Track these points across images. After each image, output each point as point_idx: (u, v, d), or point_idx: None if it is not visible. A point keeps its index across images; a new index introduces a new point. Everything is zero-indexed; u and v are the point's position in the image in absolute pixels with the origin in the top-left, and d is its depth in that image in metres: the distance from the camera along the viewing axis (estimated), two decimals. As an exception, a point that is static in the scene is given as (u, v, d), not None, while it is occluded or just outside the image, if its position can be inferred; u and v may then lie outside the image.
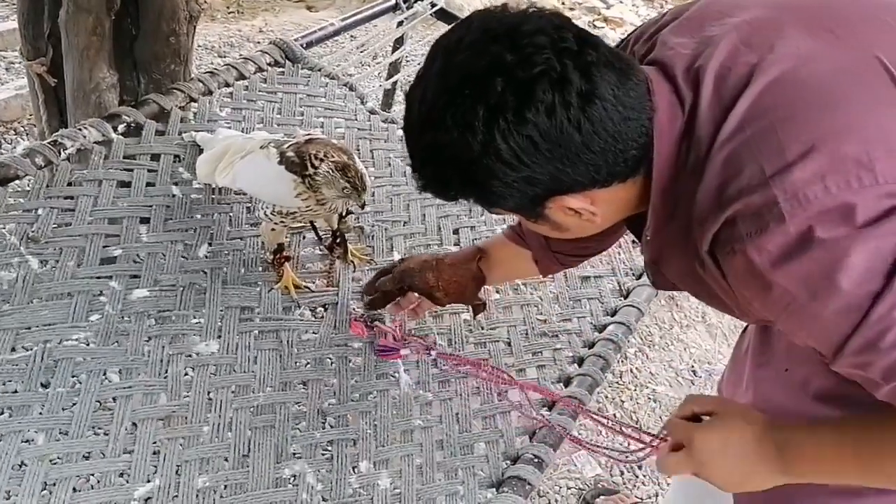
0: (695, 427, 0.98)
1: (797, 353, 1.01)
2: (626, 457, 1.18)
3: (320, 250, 1.46)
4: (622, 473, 1.99)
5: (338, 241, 1.42)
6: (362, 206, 1.27)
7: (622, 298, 1.54)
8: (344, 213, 1.38)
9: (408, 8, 2.15)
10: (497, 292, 1.48)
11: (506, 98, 0.74)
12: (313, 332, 1.32)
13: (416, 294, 1.32)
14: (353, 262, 1.45)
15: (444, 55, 0.80)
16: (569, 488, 1.92)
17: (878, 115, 0.75)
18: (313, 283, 1.40)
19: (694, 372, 2.37)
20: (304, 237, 1.48)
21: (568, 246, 1.21)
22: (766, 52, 0.80)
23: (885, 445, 0.82)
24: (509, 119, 0.75)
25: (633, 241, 1.61)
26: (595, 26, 4.40)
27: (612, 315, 1.48)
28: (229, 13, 4.04)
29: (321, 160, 1.23)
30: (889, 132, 0.74)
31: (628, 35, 1.00)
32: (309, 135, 1.32)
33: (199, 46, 3.38)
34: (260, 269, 1.39)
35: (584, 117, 0.75)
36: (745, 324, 1.23)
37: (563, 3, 4.65)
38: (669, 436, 1.04)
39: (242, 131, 1.60)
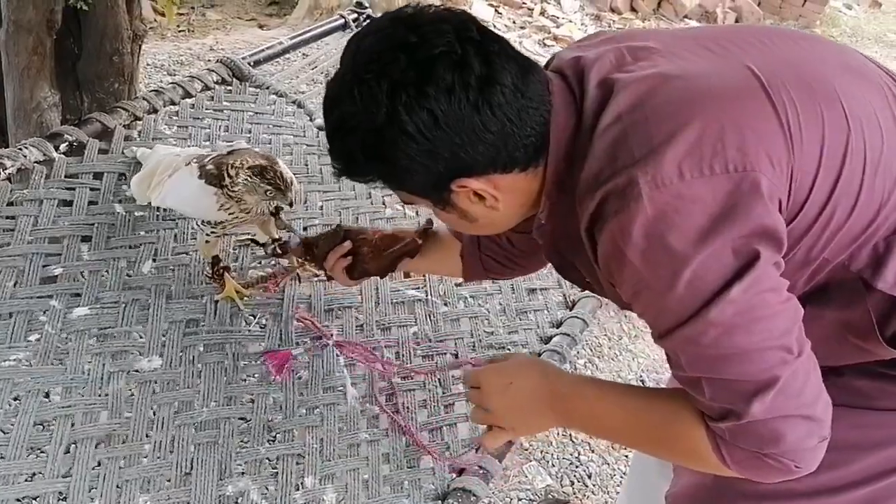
0: (482, 369, 1.08)
1: None
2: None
3: (270, 260, 1.46)
4: (572, 483, 2.01)
5: (280, 247, 1.40)
6: (290, 205, 1.27)
7: (568, 310, 1.56)
8: (276, 213, 1.35)
9: (357, 27, 2.17)
10: (445, 305, 1.50)
11: (408, 74, 0.79)
12: (259, 345, 1.32)
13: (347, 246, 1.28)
14: (299, 275, 1.45)
15: (356, 42, 0.85)
16: (520, 499, 1.93)
17: (738, 109, 0.80)
18: (260, 291, 1.41)
19: (642, 381, 2.42)
20: (251, 249, 1.48)
21: (497, 250, 1.24)
22: (646, 61, 0.87)
23: (644, 422, 0.91)
24: (411, 94, 0.79)
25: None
26: (545, 44, 4.47)
27: (558, 326, 1.51)
28: (180, 32, 4.01)
29: (238, 169, 1.24)
30: (745, 124, 0.79)
31: None
32: (231, 146, 1.33)
33: (148, 65, 3.34)
34: (203, 283, 1.39)
35: (482, 99, 0.80)
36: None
37: (514, 22, 4.72)
38: (464, 383, 1.12)
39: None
